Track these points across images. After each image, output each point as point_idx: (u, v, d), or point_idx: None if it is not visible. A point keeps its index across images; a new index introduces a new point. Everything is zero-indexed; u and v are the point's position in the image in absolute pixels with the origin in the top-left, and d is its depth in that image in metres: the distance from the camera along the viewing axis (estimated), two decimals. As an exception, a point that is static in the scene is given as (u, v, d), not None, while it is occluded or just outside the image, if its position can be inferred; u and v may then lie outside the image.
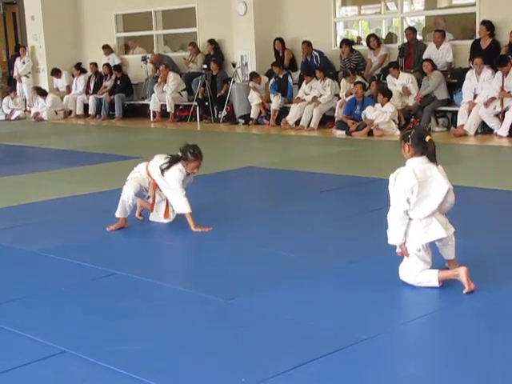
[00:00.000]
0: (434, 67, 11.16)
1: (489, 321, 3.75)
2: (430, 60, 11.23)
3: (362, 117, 11.09)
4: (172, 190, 5.63)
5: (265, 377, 3.15)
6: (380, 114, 10.83)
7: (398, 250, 4.23)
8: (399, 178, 4.13)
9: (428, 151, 4.16)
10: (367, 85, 11.71)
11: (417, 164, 4.14)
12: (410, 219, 4.15)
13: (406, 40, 12.18)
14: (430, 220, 4.15)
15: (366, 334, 3.55)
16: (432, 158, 4.18)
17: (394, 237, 4.19)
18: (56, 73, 16.46)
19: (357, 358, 3.33)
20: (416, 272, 4.16)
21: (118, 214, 5.75)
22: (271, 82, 12.92)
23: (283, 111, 12.83)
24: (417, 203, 4.10)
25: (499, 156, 9.28)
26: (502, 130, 10.21)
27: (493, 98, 10.32)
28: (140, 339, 3.62)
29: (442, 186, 4.15)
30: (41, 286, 4.52)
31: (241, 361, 3.35)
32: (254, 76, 13.09)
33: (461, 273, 4.07)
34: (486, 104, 10.31)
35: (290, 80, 12.93)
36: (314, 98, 12.16)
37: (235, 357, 3.40)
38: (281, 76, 12.86)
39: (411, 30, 12.14)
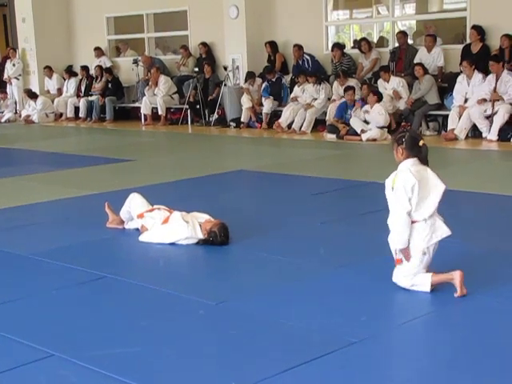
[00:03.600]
0: (426, 71, 11.19)
1: (480, 323, 3.75)
2: (421, 64, 11.26)
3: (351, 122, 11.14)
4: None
5: (255, 380, 3.14)
6: (373, 117, 10.85)
7: (399, 257, 4.16)
8: (397, 180, 4.10)
9: (421, 156, 4.17)
10: (360, 86, 11.73)
11: (411, 165, 4.14)
12: (413, 222, 4.11)
13: (397, 44, 12.22)
14: (433, 220, 4.14)
15: (356, 337, 3.55)
16: (424, 162, 4.19)
17: (399, 241, 4.13)
18: (49, 70, 16.42)
19: (347, 361, 3.33)
20: (411, 275, 4.15)
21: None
22: (264, 85, 12.93)
23: (275, 114, 12.84)
24: (418, 203, 4.08)
25: (489, 160, 9.31)
26: (492, 135, 10.25)
27: (483, 100, 10.36)
28: (130, 342, 3.61)
29: (440, 184, 4.16)
30: (30, 290, 4.50)
31: (231, 364, 3.34)
32: (249, 76, 13.08)
33: (455, 276, 4.06)
34: (479, 102, 10.32)
35: (284, 82, 12.95)
36: (308, 105, 12.16)
37: (225, 360, 3.40)
38: (273, 79, 12.88)
39: (402, 34, 12.18)
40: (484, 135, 10.40)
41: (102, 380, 3.21)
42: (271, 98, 12.77)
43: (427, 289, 4.13)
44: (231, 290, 4.35)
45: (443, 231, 4.16)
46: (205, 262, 5.16)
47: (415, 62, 11.55)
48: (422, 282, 4.14)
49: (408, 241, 4.12)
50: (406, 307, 4.10)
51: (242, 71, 13.46)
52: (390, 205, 4.17)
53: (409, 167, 4.12)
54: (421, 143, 4.16)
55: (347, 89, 11.38)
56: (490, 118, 10.40)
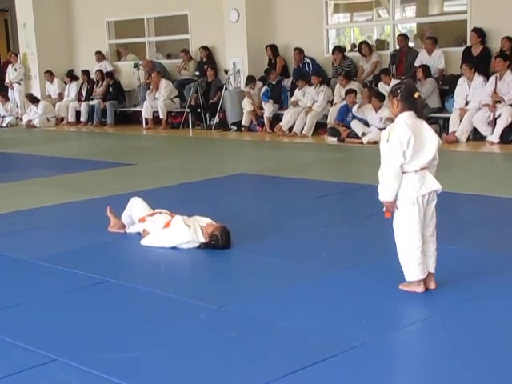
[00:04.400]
0: (428, 74, 11.17)
1: (482, 326, 3.74)
2: (423, 67, 11.25)
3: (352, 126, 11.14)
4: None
5: (257, 384, 3.15)
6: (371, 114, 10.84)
7: (387, 210, 4.14)
8: (393, 133, 4.08)
9: (416, 108, 4.16)
10: (361, 90, 11.73)
11: (407, 118, 4.12)
12: (403, 173, 4.09)
13: (397, 47, 12.22)
14: (424, 173, 4.13)
15: (358, 340, 3.54)
16: (420, 115, 4.18)
17: (387, 193, 4.10)
18: (50, 74, 16.44)
19: (348, 365, 3.32)
20: (407, 235, 4.11)
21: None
22: (263, 89, 12.92)
23: (276, 118, 12.85)
24: (412, 156, 4.06)
25: (491, 162, 9.30)
26: (494, 137, 10.24)
27: (486, 105, 10.34)
28: (132, 347, 3.60)
29: (435, 137, 4.17)
30: (31, 294, 4.50)
31: (232, 368, 3.34)
32: (250, 80, 13.09)
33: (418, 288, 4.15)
34: (485, 106, 10.32)
35: (284, 86, 12.95)
36: (309, 109, 12.14)
37: (226, 364, 3.39)
38: (274, 82, 12.89)
39: (403, 37, 12.18)
40: (485, 135, 10.38)
41: (104, 384, 3.21)
42: (271, 101, 12.77)
43: (409, 278, 4.16)
44: (233, 294, 4.35)
45: (433, 184, 4.14)
46: (206, 265, 5.16)
47: (416, 64, 11.55)
48: (412, 269, 4.13)
49: (396, 194, 4.09)
50: (408, 310, 4.10)
51: (242, 75, 13.46)
52: (382, 156, 4.15)
53: (405, 120, 4.10)
54: (416, 95, 4.15)
55: (349, 92, 11.37)
56: (491, 123, 10.38)
